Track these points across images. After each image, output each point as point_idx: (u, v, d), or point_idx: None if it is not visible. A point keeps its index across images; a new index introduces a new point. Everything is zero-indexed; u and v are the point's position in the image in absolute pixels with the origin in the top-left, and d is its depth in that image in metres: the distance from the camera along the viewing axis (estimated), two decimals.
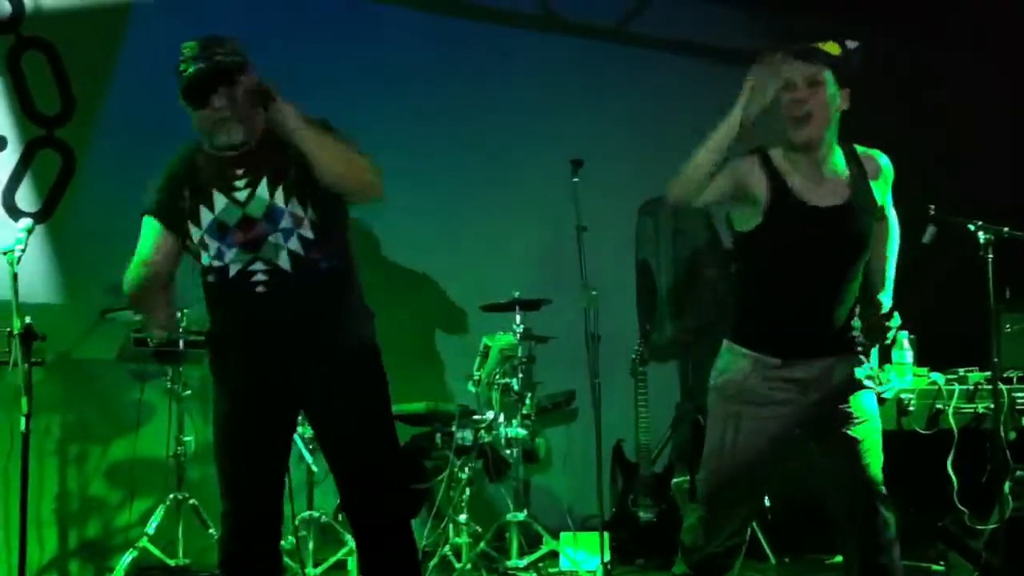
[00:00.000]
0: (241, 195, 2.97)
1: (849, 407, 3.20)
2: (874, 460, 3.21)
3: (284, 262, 2.95)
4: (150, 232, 3.08)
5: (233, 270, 2.98)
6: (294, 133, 2.92)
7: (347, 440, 3.07)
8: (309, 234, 2.96)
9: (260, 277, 2.96)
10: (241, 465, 3.04)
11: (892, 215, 3.33)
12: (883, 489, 3.20)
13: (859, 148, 3.24)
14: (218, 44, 2.92)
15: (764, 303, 3.22)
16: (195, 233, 3.01)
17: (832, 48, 3.11)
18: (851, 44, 3.12)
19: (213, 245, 2.98)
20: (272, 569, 3.11)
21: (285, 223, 2.94)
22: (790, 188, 3.11)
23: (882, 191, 3.25)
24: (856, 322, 3.24)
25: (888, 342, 3.33)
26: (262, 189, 2.96)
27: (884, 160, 3.26)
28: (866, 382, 3.24)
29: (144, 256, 3.07)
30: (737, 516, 3.30)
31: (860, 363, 3.24)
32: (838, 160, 3.18)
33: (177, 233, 3.05)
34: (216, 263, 3.00)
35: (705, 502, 3.31)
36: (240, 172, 2.98)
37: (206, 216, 2.98)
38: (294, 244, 2.95)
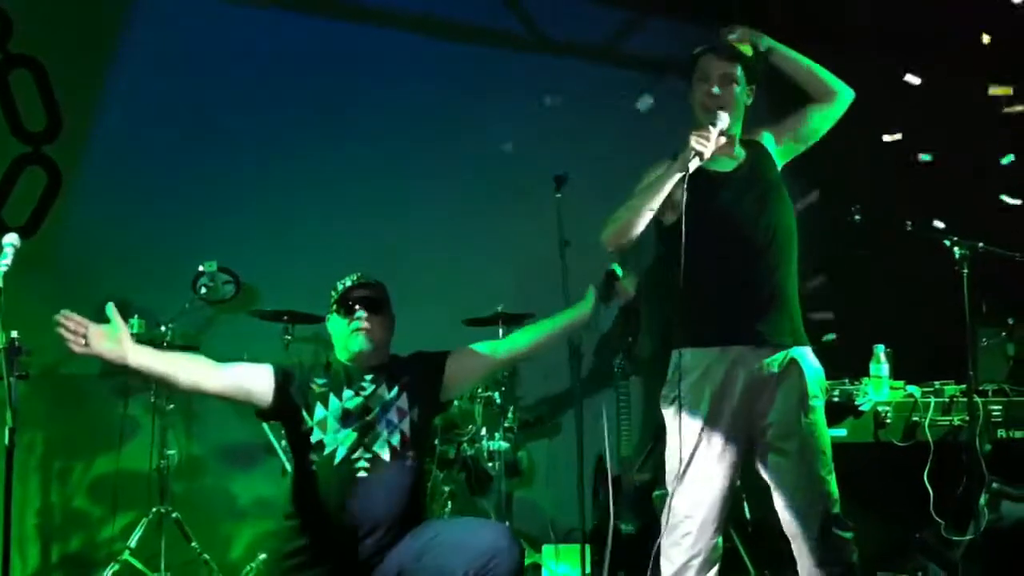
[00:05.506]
0: (367, 389, 3.35)
1: (786, 417, 3.23)
2: (822, 475, 3.21)
3: (384, 453, 3.27)
4: (258, 372, 3.30)
5: (340, 454, 3.25)
6: None
7: None
8: (407, 431, 3.32)
9: (362, 464, 3.25)
10: None
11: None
12: (836, 508, 3.21)
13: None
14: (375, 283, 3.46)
15: (696, 288, 3.25)
16: (318, 415, 3.28)
17: (746, 49, 3.34)
18: (762, 47, 3.37)
19: (332, 428, 3.26)
20: None
21: (391, 417, 3.31)
22: (701, 164, 3.26)
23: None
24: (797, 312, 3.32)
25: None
26: (383, 389, 3.36)
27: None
28: (810, 387, 3.25)
29: (226, 370, 3.26)
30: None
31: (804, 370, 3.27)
32: (739, 150, 3.41)
33: (282, 407, 3.29)
34: (325, 448, 3.26)
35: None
36: (368, 376, 3.38)
37: (334, 402, 3.31)
38: (395, 438, 3.29)
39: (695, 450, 3.27)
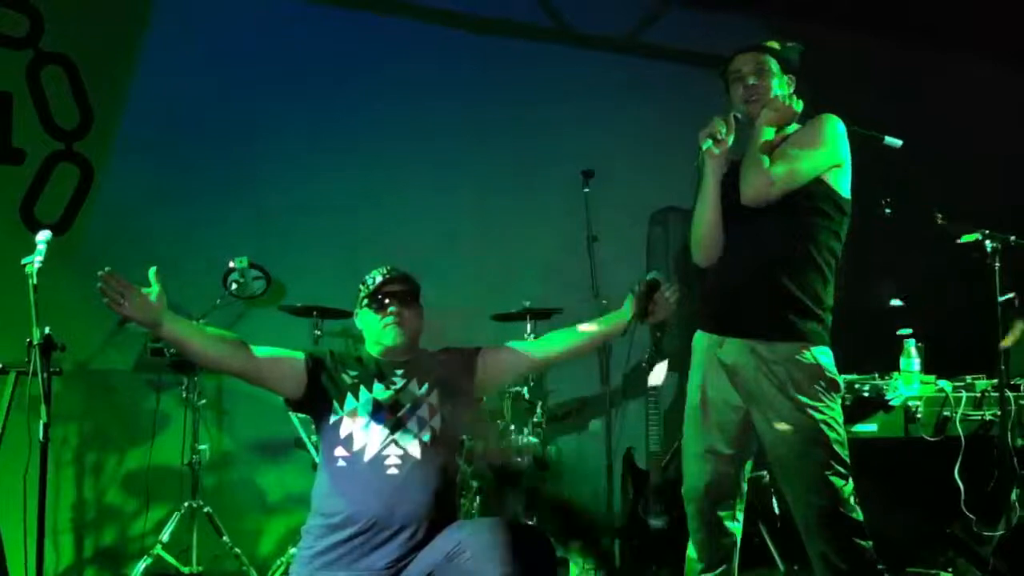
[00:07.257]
0: (398, 383, 3.32)
1: (774, 409, 3.24)
2: (819, 469, 3.19)
3: (415, 449, 3.22)
4: (291, 358, 3.28)
5: (371, 450, 3.21)
6: None
7: None
8: (438, 428, 3.28)
9: (393, 460, 3.21)
10: None
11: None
12: (844, 507, 3.20)
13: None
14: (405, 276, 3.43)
15: (705, 274, 3.42)
16: (348, 405, 3.26)
17: (773, 44, 3.42)
18: (790, 44, 3.44)
19: (362, 421, 3.23)
20: None
21: (422, 413, 3.27)
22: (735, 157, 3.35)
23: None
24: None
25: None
26: (413, 384, 3.33)
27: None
28: (803, 383, 3.23)
29: (258, 352, 3.22)
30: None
31: (805, 362, 3.24)
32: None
33: (312, 395, 3.27)
34: (355, 443, 3.22)
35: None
36: (399, 371, 3.35)
37: (364, 394, 3.28)
38: (426, 435, 3.24)
39: (692, 429, 3.38)
